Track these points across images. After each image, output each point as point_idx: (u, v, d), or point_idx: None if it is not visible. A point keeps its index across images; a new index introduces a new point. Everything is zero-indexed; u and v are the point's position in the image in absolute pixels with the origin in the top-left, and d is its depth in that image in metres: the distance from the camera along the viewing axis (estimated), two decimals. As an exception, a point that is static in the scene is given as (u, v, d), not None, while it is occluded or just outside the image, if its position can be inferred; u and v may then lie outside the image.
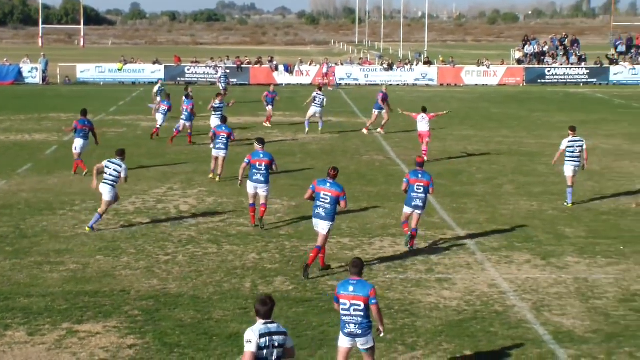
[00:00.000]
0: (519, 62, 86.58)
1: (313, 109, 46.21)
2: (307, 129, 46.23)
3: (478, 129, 48.90)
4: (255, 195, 25.54)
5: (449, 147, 41.52)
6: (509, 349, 16.31)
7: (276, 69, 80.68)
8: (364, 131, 46.36)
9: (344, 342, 14.10)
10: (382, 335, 14.54)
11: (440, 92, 74.20)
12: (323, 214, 20.88)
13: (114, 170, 25.00)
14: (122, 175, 25.02)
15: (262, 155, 25.47)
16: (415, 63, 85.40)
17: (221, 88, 64.05)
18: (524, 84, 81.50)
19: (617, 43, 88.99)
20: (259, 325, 11.95)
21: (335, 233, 24.88)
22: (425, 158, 37.00)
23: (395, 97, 68.46)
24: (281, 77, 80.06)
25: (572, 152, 28.92)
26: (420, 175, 23.05)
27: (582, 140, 29.24)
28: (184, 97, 44.10)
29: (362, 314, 13.85)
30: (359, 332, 13.94)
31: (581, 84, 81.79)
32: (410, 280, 20.62)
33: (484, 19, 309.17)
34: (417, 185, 22.90)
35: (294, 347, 12.41)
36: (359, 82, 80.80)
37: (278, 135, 46.04)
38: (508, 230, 25.54)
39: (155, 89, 51.92)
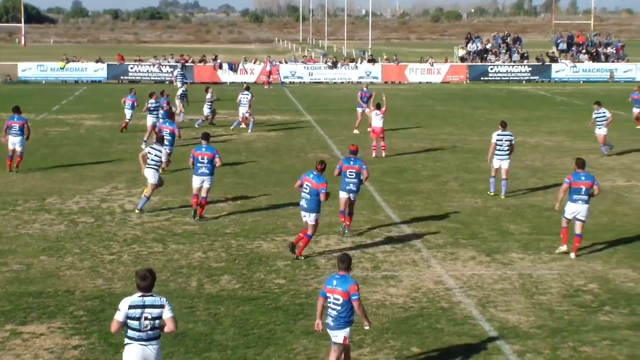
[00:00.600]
0: (462, 59, 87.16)
1: (240, 109, 46.29)
2: (232, 126, 46.70)
3: (423, 127, 49.09)
4: (200, 188, 26.19)
5: (394, 144, 41.62)
6: (455, 345, 16.38)
7: (220, 67, 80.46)
8: (355, 131, 46.06)
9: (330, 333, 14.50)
10: (367, 328, 14.79)
11: (385, 90, 74.32)
12: (305, 205, 22.02)
13: (155, 155, 27.20)
14: (164, 159, 27.48)
15: (204, 149, 26.29)
16: (359, 61, 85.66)
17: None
18: (468, 82, 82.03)
19: (558, 41, 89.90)
20: (134, 297, 12.74)
21: (281, 231, 24.90)
22: (384, 153, 37.29)
23: (339, 95, 68.63)
24: (225, 76, 79.85)
25: (501, 145, 29.34)
26: (352, 162, 24.39)
27: (511, 135, 30.00)
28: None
29: (339, 308, 14.11)
30: (332, 324, 14.25)
31: (523, 82, 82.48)
32: (357, 277, 20.58)
33: (428, 17, 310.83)
34: (350, 172, 24.32)
35: (174, 317, 12.84)
36: (304, 80, 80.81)
37: (223, 133, 45.87)
38: (453, 227, 25.66)
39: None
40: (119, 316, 12.70)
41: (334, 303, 14.15)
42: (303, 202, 22.09)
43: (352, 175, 24.29)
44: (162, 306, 12.74)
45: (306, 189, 22.03)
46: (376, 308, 18.42)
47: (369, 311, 18.16)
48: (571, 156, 38.39)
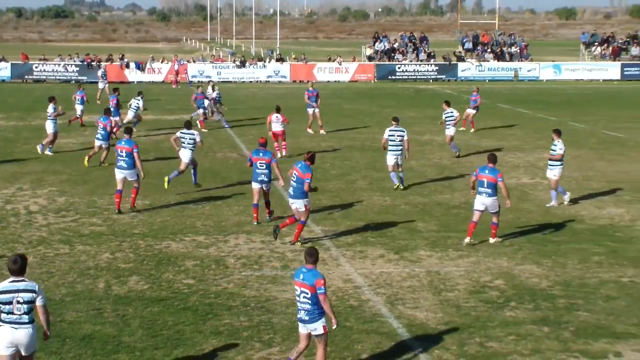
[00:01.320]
0: (370, 58, 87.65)
1: (129, 113, 45.51)
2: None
3: (331, 125, 49.20)
4: (124, 182, 26.93)
5: (302, 143, 41.69)
6: (364, 343, 16.47)
7: (127, 66, 79.71)
8: (322, 132, 45.88)
9: (300, 328, 14.66)
10: (335, 327, 14.61)
11: (293, 89, 74.41)
12: (292, 192, 23.27)
13: (189, 138, 29.92)
14: (197, 139, 30.14)
15: (123, 143, 27.03)
16: (267, 60, 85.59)
17: (100, 88, 62.40)
18: (375, 81, 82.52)
19: (464, 40, 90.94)
20: (5, 282, 13.11)
21: (189, 231, 24.79)
22: (286, 152, 37.38)
23: (248, 94, 68.53)
24: (133, 75, 79.11)
25: (393, 141, 29.85)
26: (261, 154, 25.66)
27: (403, 131, 30.88)
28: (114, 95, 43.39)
29: (309, 301, 14.22)
30: (306, 318, 14.37)
31: (430, 80, 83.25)
32: (266, 277, 20.63)
33: (335, 16, 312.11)
34: (260, 163, 25.56)
35: (45, 306, 13.24)
36: (212, 80, 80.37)
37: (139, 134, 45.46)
38: (362, 225, 25.78)
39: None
40: None
41: (303, 297, 14.27)
42: (291, 190, 23.34)
43: (263, 166, 25.52)
44: (33, 291, 13.05)
45: (294, 177, 23.19)
46: (285, 307, 18.43)
47: (278, 310, 18.20)
48: (477, 154, 38.87)
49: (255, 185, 25.71)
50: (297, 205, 23.20)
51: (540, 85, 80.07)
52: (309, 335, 14.63)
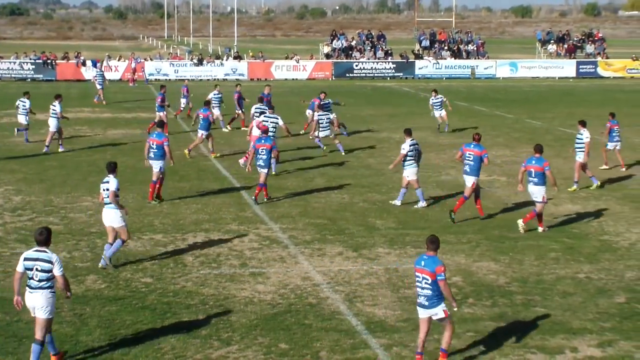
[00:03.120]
0: (328, 56, 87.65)
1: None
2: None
3: (289, 123, 49.05)
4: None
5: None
6: (323, 341, 16.47)
7: (84, 64, 79.16)
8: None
9: (419, 313, 15.30)
10: (455, 309, 15.98)
11: (251, 87, 74.26)
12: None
13: (272, 122, 33.68)
14: (280, 123, 34.27)
15: (155, 136, 28.33)
16: (225, 58, 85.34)
17: (98, 88, 60.90)
18: (333, 78, 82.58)
19: (421, 38, 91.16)
20: (30, 250, 14.95)
21: (148, 229, 24.70)
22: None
23: (206, 92, 68.23)
24: (89, 73, 78.49)
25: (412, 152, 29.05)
26: (263, 141, 28.47)
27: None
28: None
29: (430, 287, 14.93)
30: (426, 303, 15.06)
31: (388, 78, 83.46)
32: (224, 275, 20.59)
33: (293, 14, 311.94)
34: (261, 149, 28.20)
35: (64, 276, 14.72)
36: (169, 78, 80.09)
37: (87, 131, 45.23)
38: (320, 223, 25.79)
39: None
40: (18, 267, 14.91)
41: (425, 283, 14.97)
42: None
43: (263, 152, 28.23)
44: (51, 262, 14.66)
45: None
46: (244, 305, 18.40)
47: (236, 309, 18.17)
48: (435, 151, 39.02)
49: (260, 170, 28.13)
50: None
51: (497, 83, 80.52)
52: (429, 320, 15.15)
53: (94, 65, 78.38)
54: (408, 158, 27.51)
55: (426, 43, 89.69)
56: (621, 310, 18.48)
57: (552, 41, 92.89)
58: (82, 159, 36.38)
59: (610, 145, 34.74)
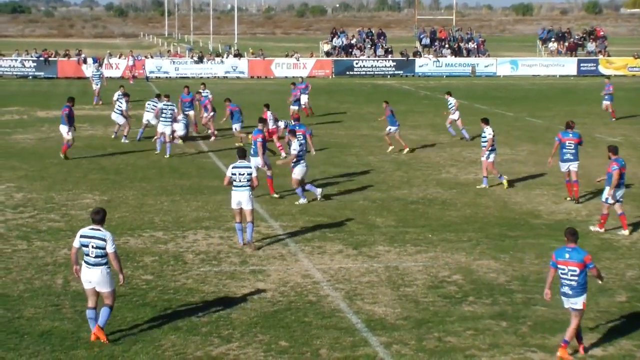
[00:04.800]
0: (328, 54, 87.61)
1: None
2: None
3: (289, 121, 49.07)
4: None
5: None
6: (323, 338, 16.46)
7: (84, 62, 79.10)
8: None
9: (564, 303, 15.93)
10: (601, 283, 17.05)
11: (251, 85, 74.37)
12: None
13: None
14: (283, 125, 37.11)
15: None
16: (225, 56, 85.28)
17: (94, 88, 59.88)
18: (333, 76, 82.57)
19: (421, 36, 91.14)
20: (86, 228, 16.26)
21: (148, 227, 24.69)
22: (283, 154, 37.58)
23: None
24: (90, 71, 78.32)
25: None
26: (298, 127, 30.54)
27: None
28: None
29: (576, 277, 15.61)
30: (570, 293, 15.68)
31: (388, 76, 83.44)
32: (225, 272, 20.59)
33: (293, 11, 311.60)
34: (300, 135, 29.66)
35: (116, 253, 16.05)
36: (170, 75, 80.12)
37: (89, 129, 45.21)
38: (320, 221, 25.77)
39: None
40: (75, 243, 16.20)
41: (570, 274, 15.60)
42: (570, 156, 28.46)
43: (301, 137, 29.49)
44: (104, 240, 15.94)
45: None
46: (244, 303, 18.40)
47: (237, 306, 18.18)
48: (435, 150, 39.01)
49: (298, 170, 28.11)
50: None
51: (498, 81, 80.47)
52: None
53: (95, 62, 78.35)
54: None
55: (426, 41, 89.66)
56: (622, 309, 18.48)
57: (553, 39, 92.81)
58: (83, 156, 36.35)
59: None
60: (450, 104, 42.16)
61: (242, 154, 23.43)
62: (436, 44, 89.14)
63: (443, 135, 43.84)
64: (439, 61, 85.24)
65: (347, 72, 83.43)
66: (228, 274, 20.41)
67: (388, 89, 71.63)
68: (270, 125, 37.48)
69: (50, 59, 79.33)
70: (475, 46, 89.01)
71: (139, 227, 24.77)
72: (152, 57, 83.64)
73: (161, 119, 37.16)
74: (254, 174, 22.94)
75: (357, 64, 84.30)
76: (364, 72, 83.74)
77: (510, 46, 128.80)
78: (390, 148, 38.02)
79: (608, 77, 54.19)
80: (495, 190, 30.37)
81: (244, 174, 22.81)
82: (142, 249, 22.51)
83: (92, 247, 15.94)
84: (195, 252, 22.32)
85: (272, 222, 25.51)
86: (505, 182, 30.64)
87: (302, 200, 28.04)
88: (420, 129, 46.13)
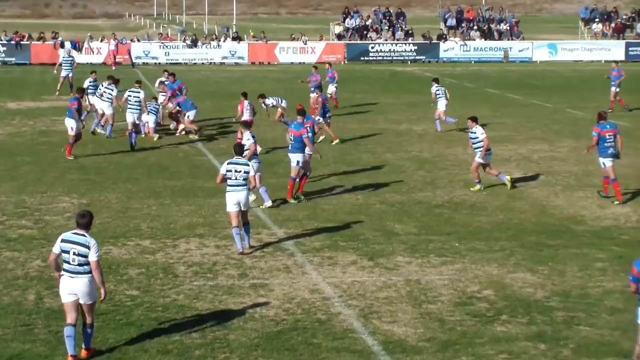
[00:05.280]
0: (340, 37, 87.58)
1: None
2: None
3: (295, 113, 48.97)
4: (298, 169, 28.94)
5: (262, 133, 41.48)
6: (335, 363, 16.42)
7: (62, 45, 78.97)
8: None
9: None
10: None
11: (252, 72, 74.37)
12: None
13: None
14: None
15: (293, 127, 29.30)
16: (222, 39, 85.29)
17: (61, 76, 58.81)
18: (346, 62, 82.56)
19: (446, 16, 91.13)
20: (69, 233, 16.51)
21: (133, 234, 24.66)
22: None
23: (200, 78, 68.27)
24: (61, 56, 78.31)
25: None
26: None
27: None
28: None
29: None
30: None
31: (409, 62, 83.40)
32: (222, 287, 20.53)
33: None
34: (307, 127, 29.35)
35: (99, 263, 16.14)
36: (159, 61, 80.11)
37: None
38: (331, 227, 25.71)
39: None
40: (55, 248, 16.36)
41: None
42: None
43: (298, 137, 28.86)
44: (88, 247, 16.10)
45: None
46: (244, 322, 18.33)
47: (235, 325, 18.10)
48: (463, 145, 38.90)
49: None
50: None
51: (534, 68, 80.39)
52: None
53: (73, 47, 78.29)
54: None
55: (452, 22, 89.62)
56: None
57: (597, 19, 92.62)
58: (59, 153, 36.33)
59: None
60: (439, 93, 43.44)
61: (239, 149, 23.78)
62: (463, 25, 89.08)
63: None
64: (466, 45, 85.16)
65: (362, 58, 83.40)
66: (225, 289, 20.35)
67: (408, 77, 71.60)
68: (246, 116, 37.78)
69: (22, 42, 79.30)
70: (508, 28, 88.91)
71: (123, 234, 24.74)
72: (138, 40, 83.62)
73: (128, 106, 38.48)
74: (252, 173, 23.22)
75: (372, 48, 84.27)
76: (380, 58, 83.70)
77: (548, 27, 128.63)
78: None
79: (617, 61, 54.16)
80: (533, 193, 30.28)
81: (240, 172, 23.09)
82: (127, 259, 22.45)
83: (74, 254, 16.07)
84: (187, 263, 22.26)
85: (276, 229, 25.45)
86: (508, 181, 30.78)
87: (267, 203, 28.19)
88: (445, 123, 45.98)
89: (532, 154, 37.01)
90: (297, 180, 28.97)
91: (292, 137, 28.71)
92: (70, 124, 35.24)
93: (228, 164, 23.31)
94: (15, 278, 20.97)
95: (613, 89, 51.07)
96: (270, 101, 42.12)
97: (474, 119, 30.87)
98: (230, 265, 22.12)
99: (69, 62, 59.28)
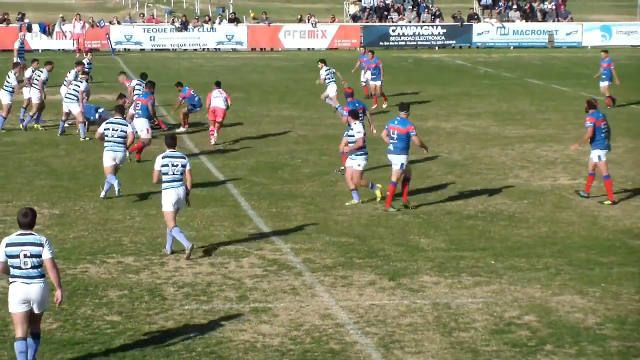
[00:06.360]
0: (355, 18, 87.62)
1: None
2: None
3: (303, 108, 49.18)
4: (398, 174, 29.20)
5: (264, 131, 41.67)
6: (350, 400, 16.51)
7: (29, 29, 79.08)
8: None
9: None
10: None
11: (252, 60, 74.44)
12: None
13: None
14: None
15: (396, 123, 29.29)
16: (217, 21, 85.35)
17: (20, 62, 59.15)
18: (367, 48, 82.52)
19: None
20: (13, 235, 16.91)
21: (114, 250, 24.71)
22: (213, 141, 37.72)
23: (191, 66, 68.37)
24: (36, 41, 78.50)
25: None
26: (357, 104, 33.08)
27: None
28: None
29: None
30: None
31: (436, 47, 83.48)
32: (218, 311, 20.59)
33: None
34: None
35: (53, 260, 16.74)
36: (143, 47, 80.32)
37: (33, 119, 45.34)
38: (345, 242, 25.76)
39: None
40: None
41: None
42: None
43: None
44: (41, 245, 16.61)
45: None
46: (243, 352, 18.40)
47: (233, 356, 18.16)
48: (500, 145, 38.98)
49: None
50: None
51: (584, 54, 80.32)
52: None
53: (42, 30, 78.39)
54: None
55: (488, 1, 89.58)
56: None
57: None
58: (27, 155, 36.48)
59: None
60: (328, 76, 45.65)
61: (172, 141, 25.06)
62: (501, 4, 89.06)
63: (510, 127, 43.82)
64: (504, 27, 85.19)
65: (381, 42, 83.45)
66: (222, 314, 20.41)
67: (436, 65, 71.67)
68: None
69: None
70: (554, 7, 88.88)
71: (102, 250, 24.82)
72: (119, 22, 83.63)
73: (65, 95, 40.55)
74: (189, 167, 24.57)
75: (394, 31, 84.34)
76: (403, 42, 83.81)
77: (600, 6, 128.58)
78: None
79: (606, 50, 53.80)
80: (582, 202, 30.31)
81: (177, 166, 24.40)
82: (107, 280, 22.52)
83: (25, 256, 16.55)
84: (177, 284, 22.33)
85: (281, 244, 25.51)
86: (378, 192, 30.24)
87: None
88: (479, 119, 46.09)
89: (581, 155, 36.93)
90: (393, 185, 29.33)
91: (394, 135, 28.89)
92: (141, 125, 35.94)
93: (163, 157, 24.45)
94: (-24, 301, 21.06)
95: (605, 83, 50.32)
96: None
97: (354, 114, 30.57)
98: (228, 287, 22.19)
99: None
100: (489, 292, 22.01)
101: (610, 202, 29.49)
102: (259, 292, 21.83)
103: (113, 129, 30.18)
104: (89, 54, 44.78)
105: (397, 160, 28.75)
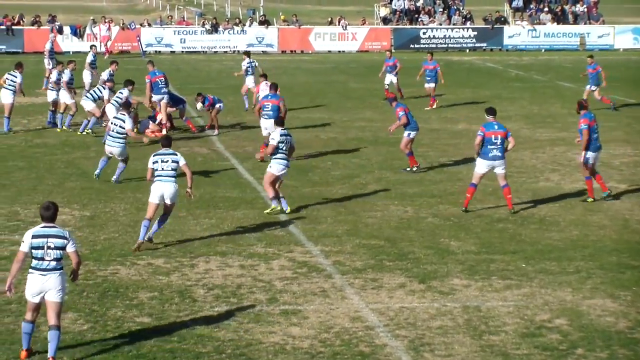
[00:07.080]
0: (386, 21, 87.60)
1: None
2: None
3: (333, 111, 49.17)
4: (480, 178, 29.69)
5: (294, 133, 41.55)
6: (380, 403, 16.50)
7: (60, 31, 79.32)
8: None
9: None
10: None
11: (282, 62, 74.45)
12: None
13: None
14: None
15: (496, 127, 29.31)
16: (248, 23, 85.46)
17: (47, 67, 58.60)
18: (393, 50, 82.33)
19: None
20: (37, 227, 17.56)
21: (145, 252, 24.73)
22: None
23: (222, 68, 68.36)
24: (67, 43, 78.72)
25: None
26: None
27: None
28: None
29: None
30: None
31: (467, 50, 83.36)
32: (247, 314, 20.60)
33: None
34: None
35: (77, 252, 17.64)
36: (174, 49, 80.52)
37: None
38: (375, 244, 25.74)
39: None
40: (23, 247, 17.39)
41: None
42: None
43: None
44: (65, 238, 17.44)
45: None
46: (273, 354, 18.40)
47: (263, 358, 18.16)
48: (531, 149, 38.88)
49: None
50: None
51: (616, 57, 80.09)
52: None
53: (73, 32, 78.62)
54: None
55: (519, 3, 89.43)
56: None
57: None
58: (58, 157, 36.58)
59: None
60: (249, 70, 48.24)
61: (167, 142, 26.16)
62: (532, 7, 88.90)
63: (541, 130, 43.75)
64: (535, 30, 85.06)
65: (412, 45, 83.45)
66: (251, 316, 20.42)
67: (467, 68, 71.52)
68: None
69: (14, 27, 79.69)
70: (586, 9, 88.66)
71: (132, 252, 24.86)
72: (149, 25, 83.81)
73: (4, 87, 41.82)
74: (182, 162, 25.72)
75: (424, 34, 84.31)
76: (434, 45, 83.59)
77: (633, 9, 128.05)
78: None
79: (591, 55, 53.30)
80: (613, 205, 30.22)
81: (167, 161, 25.41)
82: (137, 281, 22.57)
83: (50, 247, 17.35)
84: (207, 286, 22.36)
85: (311, 247, 25.51)
86: (277, 207, 28.98)
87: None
88: (510, 122, 45.86)
89: (612, 158, 36.89)
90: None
91: (497, 140, 28.99)
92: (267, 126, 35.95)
93: (154, 155, 25.67)
94: (7, 303, 21.04)
95: (590, 87, 49.77)
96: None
97: (280, 122, 29.94)
98: (258, 289, 22.21)
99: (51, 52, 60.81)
100: (519, 295, 21.97)
101: (592, 199, 30.15)
102: (289, 295, 21.84)
103: (114, 124, 32.73)
104: (113, 64, 44.54)
105: (501, 165, 28.99)
